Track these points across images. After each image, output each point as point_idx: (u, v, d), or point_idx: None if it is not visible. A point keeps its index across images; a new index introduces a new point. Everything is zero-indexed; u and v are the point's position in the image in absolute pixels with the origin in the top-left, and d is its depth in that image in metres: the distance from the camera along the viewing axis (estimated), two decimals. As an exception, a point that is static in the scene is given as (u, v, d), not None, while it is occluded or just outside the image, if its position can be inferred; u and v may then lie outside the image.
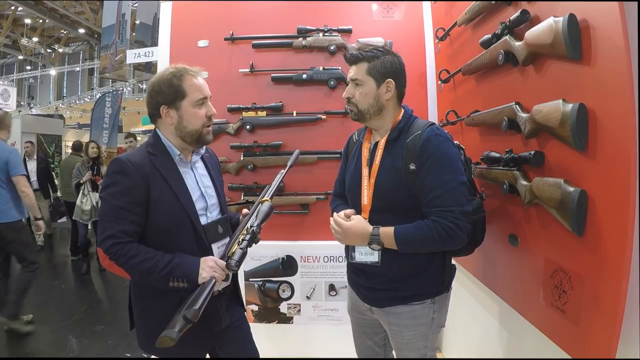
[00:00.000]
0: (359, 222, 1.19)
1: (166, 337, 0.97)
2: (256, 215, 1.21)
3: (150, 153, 1.17)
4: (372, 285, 1.24)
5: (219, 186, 1.33)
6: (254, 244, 1.18)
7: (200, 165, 1.30)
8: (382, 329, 1.33)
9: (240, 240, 1.16)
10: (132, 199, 1.10)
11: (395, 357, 1.38)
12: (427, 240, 1.11)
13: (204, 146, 1.30)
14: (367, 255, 1.21)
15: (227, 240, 1.25)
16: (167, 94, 1.16)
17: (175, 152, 1.20)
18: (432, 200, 1.12)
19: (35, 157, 5.62)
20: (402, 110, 1.25)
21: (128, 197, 1.10)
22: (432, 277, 1.20)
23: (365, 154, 1.27)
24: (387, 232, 1.14)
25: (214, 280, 1.09)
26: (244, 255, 1.14)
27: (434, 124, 1.20)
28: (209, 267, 1.11)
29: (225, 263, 1.13)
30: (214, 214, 1.26)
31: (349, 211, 1.23)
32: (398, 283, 1.20)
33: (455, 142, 1.24)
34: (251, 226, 1.18)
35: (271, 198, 1.27)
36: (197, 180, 1.24)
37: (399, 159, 1.18)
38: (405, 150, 1.17)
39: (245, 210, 1.31)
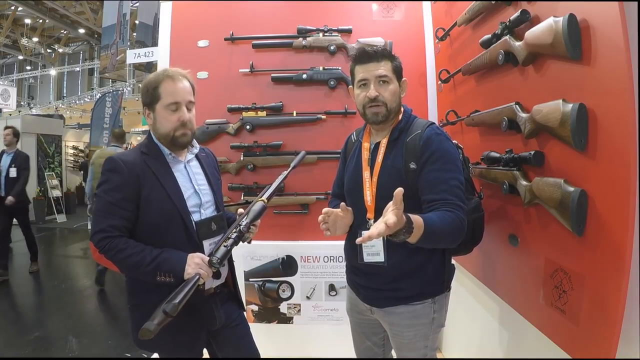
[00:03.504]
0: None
1: (145, 330, 0.99)
2: (247, 215, 1.22)
3: (143, 152, 1.22)
4: (373, 286, 1.24)
5: (215, 185, 1.35)
6: (246, 244, 1.21)
7: (194, 164, 1.32)
8: (381, 329, 1.33)
9: (227, 238, 1.18)
10: (123, 195, 1.14)
11: (394, 357, 1.38)
12: (455, 231, 1.05)
13: (198, 145, 1.34)
14: (373, 255, 1.20)
15: (221, 237, 1.26)
16: (146, 96, 1.22)
17: (167, 152, 1.24)
18: (439, 193, 1.09)
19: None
20: (402, 110, 1.25)
21: (119, 193, 1.14)
22: (433, 277, 1.20)
23: (365, 154, 1.27)
24: (418, 222, 0.97)
25: (197, 277, 1.10)
26: (227, 253, 1.16)
27: (433, 123, 1.21)
28: (195, 264, 1.13)
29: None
30: (208, 211, 1.28)
31: (343, 205, 1.19)
32: (398, 283, 1.19)
33: (453, 141, 1.24)
34: (239, 225, 1.20)
35: (268, 199, 1.27)
36: (191, 178, 1.27)
37: (399, 158, 1.18)
38: (405, 150, 1.17)
39: (241, 210, 1.32)
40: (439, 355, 2.20)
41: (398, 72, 1.21)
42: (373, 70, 1.17)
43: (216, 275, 1.20)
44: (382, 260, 1.19)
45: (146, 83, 1.23)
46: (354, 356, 1.46)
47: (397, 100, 1.20)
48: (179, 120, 1.21)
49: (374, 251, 1.20)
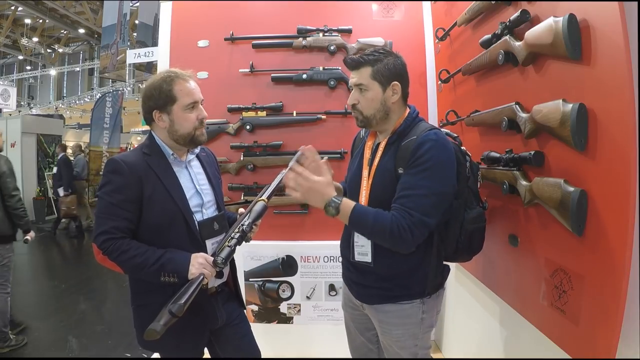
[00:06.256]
0: (327, 183, 1.13)
1: (152, 330, 0.99)
2: (249, 215, 1.22)
3: (145, 153, 1.22)
4: (364, 282, 1.25)
5: (216, 184, 1.35)
6: (244, 242, 1.20)
7: (195, 164, 1.33)
8: (373, 325, 1.33)
9: (230, 238, 1.18)
10: (125, 197, 1.14)
11: (387, 357, 1.37)
12: (377, 230, 1.08)
13: (199, 145, 1.33)
14: (362, 255, 1.22)
15: (223, 236, 1.27)
16: (157, 99, 1.20)
17: (169, 152, 1.25)
18: (400, 198, 1.09)
19: None
20: (407, 112, 1.23)
21: (121, 195, 1.14)
22: (422, 278, 1.19)
23: (367, 154, 1.27)
24: (348, 204, 1.11)
25: (202, 277, 1.11)
26: (231, 253, 1.16)
27: (434, 128, 1.17)
28: (199, 264, 1.13)
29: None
30: (209, 211, 1.29)
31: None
32: (388, 282, 1.20)
33: (462, 148, 1.22)
34: (241, 225, 1.19)
35: (268, 198, 1.27)
36: (192, 179, 1.28)
37: (391, 161, 1.17)
38: (398, 153, 1.16)
39: (241, 210, 1.32)
40: (439, 355, 2.20)
41: (382, 76, 1.16)
42: (352, 79, 1.21)
43: (219, 274, 1.21)
44: (369, 260, 1.21)
45: (156, 86, 1.20)
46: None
47: (376, 106, 1.18)
48: (198, 119, 1.23)
49: (363, 251, 1.22)
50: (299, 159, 1.21)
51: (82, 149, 7.65)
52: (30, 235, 2.83)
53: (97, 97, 10.71)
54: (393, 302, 1.20)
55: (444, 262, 1.25)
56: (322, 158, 1.19)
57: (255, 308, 2.23)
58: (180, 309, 1.02)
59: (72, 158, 7.02)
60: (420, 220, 1.06)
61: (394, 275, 1.19)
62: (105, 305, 3.54)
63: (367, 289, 1.24)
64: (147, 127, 1.29)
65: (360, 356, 1.43)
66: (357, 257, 1.24)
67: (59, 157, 6.37)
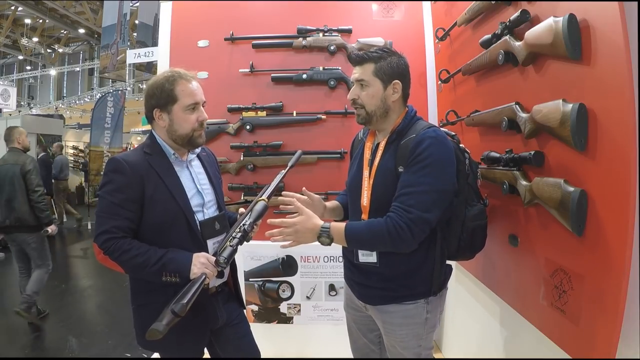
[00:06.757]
0: (308, 218, 1.17)
1: (154, 330, 0.99)
2: (250, 214, 1.22)
3: (147, 153, 1.21)
4: (366, 283, 1.25)
5: (216, 184, 1.35)
6: (245, 242, 1.20)
7: (196, 163, 1.33)
8: (376, 326, 1.33)
9: (231, 237, 1.18)
10: (127, 196, 1.14)
11: (390, 357, 1.38)
12: (376, 238, 1.10)
13: (197, 147, 1.32)
14: (367, 256, 1.22)
15: (224, 236, 1.27)
16: (159, 97, 1.20)
17: (170, 152, 1.24)
18: (399, 196, 1.10)
19: None
20: (406, 111, 1.24)
21: (123, 194, 1.14)
22: (426, 278, 1.19)
23: (367, 154, 1.27)
24: (338, 227, 1.13)
25: (204, 276, 1.11)
26: (233, 252, 1.16)
27: (433, 126, 1.18)
28: (201, 264, 1.13)
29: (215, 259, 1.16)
30: (210, 211, 1.29)
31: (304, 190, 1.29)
32: (392, 282, 1.20)
33: (460, 145, 1.22)
34: (243, 224, 1.19)
35: (268, 198, 1.27)
36: (193, 178, 1.28)
37: (392, 160, 1.17)
38: (398, 152, 1.16)
39: (242, 209, 1.32)
40: (439, 355, 2.20)
41: (384, 74, 1.18)
42: (355, 74, 1.22)
43: (219, 274, 1.21)
44: (375, 260, 1.20)
45: (158, 85, 1.20)
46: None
47: (378, 103, 1.19)
48: (198, 120, 1.22)
49: (367, 252, 1.21)
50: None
51: (63, 149, 7.62)
52: (51, 228, 2.99)
53: (97, 97, 10.70)
54: (397, 303, 1.20)
55: (447, 261, 1.25)
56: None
57: (255, 308, 2.23)
58: (183, 309, 1.02)
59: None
60: (420, 217, 1.06)
61: (398, 275, 1.19)
62: (105, 305, 3.54)
63: (370, 289, 1.24)
64: (147, 127, 1.30)
65: (362, 357, 1.43)
66: (362, 259, 1.22)
67: (38, 157, 6.37)
